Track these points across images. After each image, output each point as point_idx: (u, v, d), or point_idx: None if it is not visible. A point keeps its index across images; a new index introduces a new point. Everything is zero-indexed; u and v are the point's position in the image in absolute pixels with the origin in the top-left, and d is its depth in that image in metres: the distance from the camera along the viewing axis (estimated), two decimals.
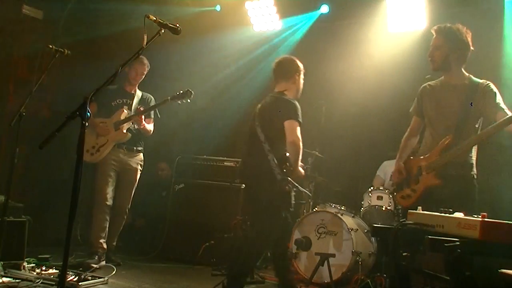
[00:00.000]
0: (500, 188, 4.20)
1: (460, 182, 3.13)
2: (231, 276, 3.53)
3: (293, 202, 3.55)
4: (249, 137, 3.71)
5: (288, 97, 3.62)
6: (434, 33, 3.29)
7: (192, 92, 4.44)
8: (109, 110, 4.67)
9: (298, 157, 3.47)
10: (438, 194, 3.09)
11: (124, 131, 4.60)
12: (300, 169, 3.56)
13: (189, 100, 4.47)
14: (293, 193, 3.54)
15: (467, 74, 3.29)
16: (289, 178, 3.39)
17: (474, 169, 3.20)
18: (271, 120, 3.54)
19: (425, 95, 3.41)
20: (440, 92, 3.33)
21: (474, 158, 3.21)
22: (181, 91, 4.45)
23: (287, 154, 3.48)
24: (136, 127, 4.66)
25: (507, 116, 2.94)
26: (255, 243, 3.59)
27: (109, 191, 4.56)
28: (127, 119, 4.59)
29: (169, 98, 4.50)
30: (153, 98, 4.89)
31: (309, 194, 3.79)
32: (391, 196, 4.56)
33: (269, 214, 3.47)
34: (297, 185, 3.48)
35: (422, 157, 3.31)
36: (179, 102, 4.48)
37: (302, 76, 3.77)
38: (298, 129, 3.46)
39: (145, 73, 4.75)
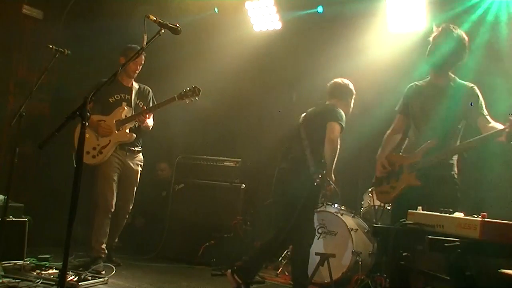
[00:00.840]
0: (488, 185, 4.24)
1: (441, 182, 3.15)
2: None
3: (320, 199, 3.68)
4: (290, 141, 3.98)
5: (337, 107, 3.87)
6: (438, 30, 3.29)
7: (200, 89, 4.20)
8: (107, 106, 4.46)
9: (334, 157, 3.68)
10: (418, 194, 3.09)
11: (127, 131, 4.43)
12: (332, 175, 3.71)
13: (197, 98, 4.21)
14: (322, 191, 3.70)
15: (452, 76, 3.32)
16: (323, 172, 3.57)
17: (455, 169, 3.24)
18: (317, 124, 3.79)
19: (412, 94, 3.42)
20: (426, 92, 3.36)
21: (454, 158, 3.25)
22: (188, 88, 4.21)
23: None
24: (136, 125, 4.48)
25: (496, 130, 2.94)
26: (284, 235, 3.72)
27: (114, 196, 4.42)
28: (130, 118, 4.40)
29: (175, 96, 4.25)
30: (150, 90, 4.73)
31: (338, 193, 3.83)
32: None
33: (297, 205, 3.62)
34: (329, 180, 3.63)
35: (404, 155, 3.34)
36: (186, 101, 4.24)
37: (353, 100, 4.09)
38: (339, 130, 3.71)
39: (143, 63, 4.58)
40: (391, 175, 3.35)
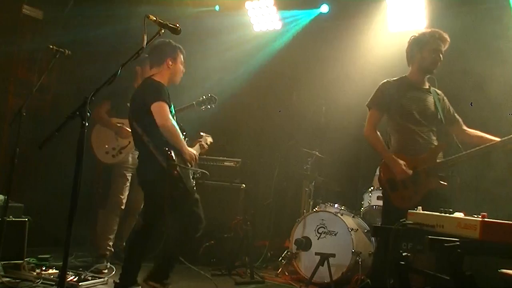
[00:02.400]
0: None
1: (453, 183, 3.26)
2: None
3: (190, 185, 3.32)
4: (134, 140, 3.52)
5: (155, 80, 3.40)
6: (445, 40, 3.36)
7: (216, 98, 4.36)
8: (125, 110, 4.34)
9: (177, 139, 3.25)
10: (438, 196, 3.13)
11: None
12: (191, 149, 3.40)
13: (213, 106, 4.37)
14: (188, 176, 3.32)
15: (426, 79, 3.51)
16: (175, 163, 3.16)
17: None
18: (142, 110, 3.31)
19: (393, 93, 3.42)
20: (414, 92, 3.42)
21: None
22: (205, 97, 4.35)
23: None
24: None
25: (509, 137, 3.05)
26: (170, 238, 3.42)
27: (125, 196, 4.52)
28: None
29: (194, 103, 4.38)
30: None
31: (206, 172, 3.64)
32: None
33: (168, 205, 3.22)
34: (187, 167, 3.30)
35: (413, 157, 3.30)
36: (203, 108, 4.38)
37: (182, 55, 3.59)
38: (166, 108, 3.22)
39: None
40: (406, 179, 3.26)
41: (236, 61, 5.86)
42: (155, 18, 2.75)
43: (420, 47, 3.38)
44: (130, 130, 4.29)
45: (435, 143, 3.37)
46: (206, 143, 3.76)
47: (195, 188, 3.45)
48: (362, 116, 5.44)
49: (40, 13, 5.73)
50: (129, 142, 4.45)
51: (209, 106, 4.38)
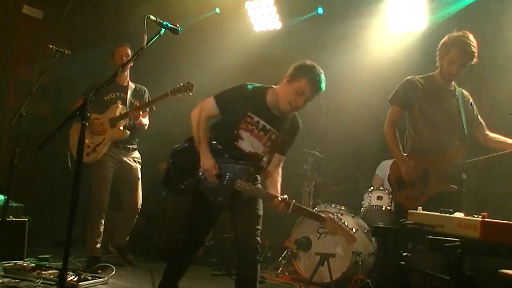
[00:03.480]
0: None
1: (462, 186, 3.25)
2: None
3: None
4: None
5: None
6: (469, 54, 3.23)
7: (193, 84, 4.17)
8: (102, 105, 4.41)
9: None
10: (447, 198, 3.10)
11: (121, 128, 4.37)
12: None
13: (190, 94, 4.18)
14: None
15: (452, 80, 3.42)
16: None
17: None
18: None
19: (417, 91, 3.39)
20: (438, 93, 3.37)
21: None
22: (181, 84, 4.17)
23: None
24: (131, 123, 4.43)
25: None
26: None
27: (107, 197, 4.39)
28: (123, 115, 4.35)
29: (169, 91, 4.20)
30: (146, 90, 4.69)
31: None
32: (391, 196, 4.56)
33: None
34: None
35: (427, 158, 3.28)
36: (180, 95, 4.19)
37: None
38: None
39: (131, 55, 4.45)
40: (415, 179, 3.28)
41: (236, 61, 5.85)
42: (155, 18, 2.74)
43: (442, 54, 3.31)
44: (103, 125, 4.31)
45: (453, 145, 3.30)
46: None
47: None
48: (362, 116, 5.48)
49: (40, 13, 5.73)
50: (103, 138, 4.32)
51: (185, 94, 4.16)
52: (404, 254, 2.27)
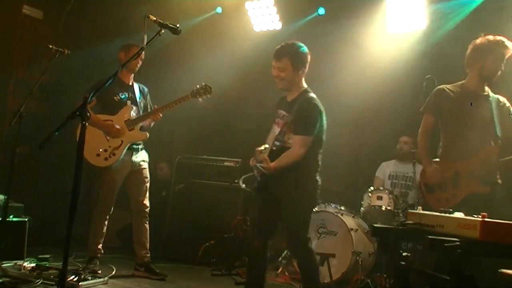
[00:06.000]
0: None
1: (495, 189, 3.29)
2: None
3: None
4: None
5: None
6: (508, 48, 3.30)
7: (211, 87, 4.12)
8: (112, 105, 4.20)
9: None
10: (479, 201, 3.13)
11: (138, 129, 4.20)
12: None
13: (209, 96, 4.13)
14: None
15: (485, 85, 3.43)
16: None
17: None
18: None
19: (448, 98, 3.43)
20: (470, 99, 3.38)
21: None
22: (199, 86, 4.12)
23: None
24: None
25: None
26: None
27: (114, 200, 4.24)
28: (142, 117, 4.18)
29: (189, 94, 4.10)
30: (146, 88, 4.54)
31: None
32: (391, 196, 4.55)
33: None
34: None
35: (457, 161, 3.33)
36: (199, 99, 4.11)
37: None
38: None
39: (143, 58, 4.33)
40: (445, 182, 3.34)
41: (236, 61, 5.85)
42: (155, 18, 2.75)
43: (483, 55, 3.33)
44: (119, 128, 4.14)
45: (485, 147, 3.32)
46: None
47: None
48: (362, 117, 5.48)
49: (40, 13, 5.72)
50: (122, 141, 4.13)
51: (205, 97, 4.13)
52: (404, 254, 2.27)
